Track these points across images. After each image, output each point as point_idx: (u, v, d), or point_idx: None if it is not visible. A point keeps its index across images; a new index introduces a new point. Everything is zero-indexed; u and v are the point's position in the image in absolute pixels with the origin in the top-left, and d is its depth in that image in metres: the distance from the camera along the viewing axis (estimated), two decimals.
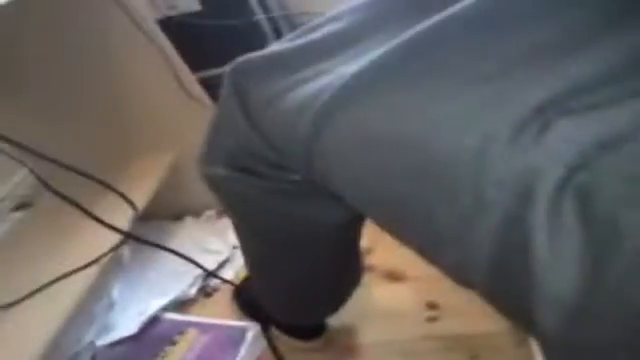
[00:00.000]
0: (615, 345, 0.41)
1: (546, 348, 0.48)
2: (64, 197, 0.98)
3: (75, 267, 1.07)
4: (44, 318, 1.00)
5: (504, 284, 0.48)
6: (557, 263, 0.42)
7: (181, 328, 1.23)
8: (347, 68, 0.59)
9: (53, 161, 0.98)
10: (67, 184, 0.98)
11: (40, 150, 0.96)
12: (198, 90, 1.33)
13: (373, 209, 0.63)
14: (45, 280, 1.05)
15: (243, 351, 1.13)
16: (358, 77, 0.57)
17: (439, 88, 0.53)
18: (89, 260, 1.09)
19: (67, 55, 1.29)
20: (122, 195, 1.14)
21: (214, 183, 0.80)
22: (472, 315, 1.04)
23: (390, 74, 0.56)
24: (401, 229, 0.60)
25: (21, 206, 1.22)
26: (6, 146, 0.96)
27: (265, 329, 1.14)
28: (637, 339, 0.39)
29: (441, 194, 0.50)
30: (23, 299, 1.03)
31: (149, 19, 1.24)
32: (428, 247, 0.57)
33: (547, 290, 0.43)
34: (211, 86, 1.30)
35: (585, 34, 0.49)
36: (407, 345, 1.07)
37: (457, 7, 0.55)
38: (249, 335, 1.16)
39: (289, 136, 0.64)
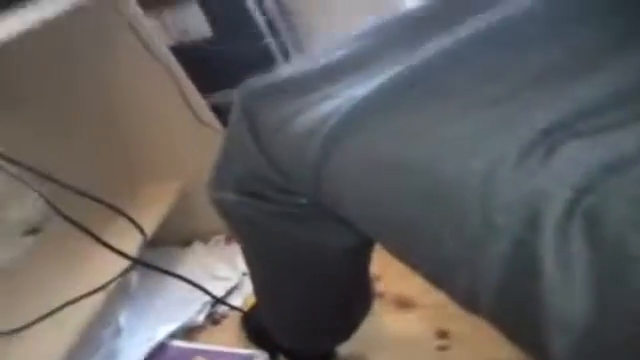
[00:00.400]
0: None
1: None
2: (74, 222, 0.98)
3: (83, 293, 1.07)
4: (51, 344, 1.00)
5: (512, 309, 0.47)
6: (566, 287, 0.41)
7: (188, 356, 1.22)
8: (355, 92, 0.59)
9: (64, 185, 0.98)
10: (76, 209, 0.98)
11: (50, 174, 0.97)
12: (208, 115, 1.34)
13: (381, 233, 0.62)
14: (53, 306, 1.05)
15: None
16: (366, 101, 0.57)
17: (446, 111, 0.53)
18: (97, 286, 1.08)
19: (79, 80, 1.30)
20: (131, 220, 1.14)
21: (223, 208, 0.80)
22: (482, 343, 1.02)
23: (397, 98, 0.57)
24: (409, 254, 0.59)
25: (31, 231, 1.22)
26: (16, 170, 0.96)
27: (273, 357, 1.13)
28: None
29: (449, 218, 0.50)
30: (30, 325, 1.02)
31: (161, 44, 1.26)
32: (436, 272, 0.56)
33: (556, 314, 0.42)
34: (221, 111, 1.31)
35: (592, 57, 0.49)
36: None
37: (463, 31, 0.56)
38: None
39: (298, 160, 0.64)
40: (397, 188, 0.55)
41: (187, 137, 1.37)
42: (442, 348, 1.08)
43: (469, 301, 0.53)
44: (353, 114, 0.57)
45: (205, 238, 1.55)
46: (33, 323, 1.03)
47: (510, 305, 0.47)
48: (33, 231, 1.22)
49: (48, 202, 0.97)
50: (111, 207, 1.07)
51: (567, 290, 0.41)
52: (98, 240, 1.02)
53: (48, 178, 0.96)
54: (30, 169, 0.95)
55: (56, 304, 1.05)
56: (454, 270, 0.51)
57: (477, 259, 0.48)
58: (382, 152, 0.55)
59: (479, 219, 0.47)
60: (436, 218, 0.51)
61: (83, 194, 0.99)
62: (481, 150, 0.48)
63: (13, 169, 0.97)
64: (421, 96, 0.55)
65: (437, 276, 0.56)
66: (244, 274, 1.37)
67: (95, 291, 1.08)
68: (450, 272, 0.52)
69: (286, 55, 1.44)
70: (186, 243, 1.56)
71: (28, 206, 1.13)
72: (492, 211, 0.46)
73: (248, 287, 1.30)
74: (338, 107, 0.59)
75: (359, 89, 0.59)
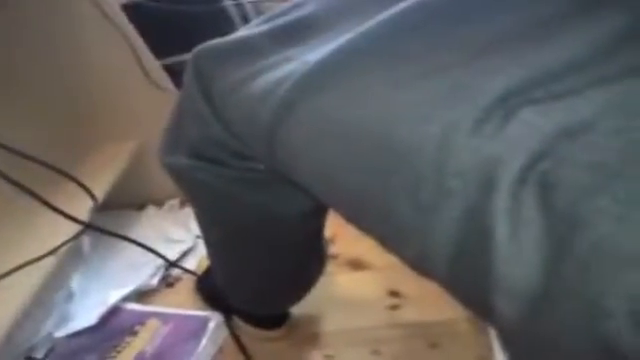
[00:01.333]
0: (573, 334, 0.41)
1: (504, 337, 0.49)
2: (21, 186, 0.95)
3: (32, 258, 1.05)
4: (2, 308, 0.98)
5: (464, 274, 0.48)
6: (517, 252, 0.42)
7: (142, 318, 1.22)
8: (309, 57, 0.59)
9: (11, 150, 0.95)
10: (25, 174, 0.96)
11: None
12: (162, 77, 1.31)
13: (334, 200, 0.63)
14: (2, 271, 1.03)
15: (205, 341, 1.13)
16: (320, 65, 0.57)
17: (399, 78, 0.52)
18: (47, 251, 1.07)
19: (27, 39, 1.26)
20: (81, 185, 1.12)
21: (176, 172, 0.80)
22: (433, 303, 1.05)
23: (353, 62, 0.56)
24: (362, 219, 0.60)
25: None
26: None
27: (227, 319, 1.14)
28: (595, 328, 0.38)
29: (402, 184, 0.50)
30: None
31: (113, 4, 1.22)
32: (390, 238, 0.57)
33: (506, 279, 0.43)
34: (176, 73, 1.28)
35: (548, 24, 0.49)
36: (369, 333, 1.08)
37: None
38: (211, 325, 1.15)
39: (251, 124, 0.63)
40: (349, 153, 0.55)
41: (140, 99, 1.34)
42: (393, 307, 1.11)
43: (422, 265, 0.53)
44: (307, 78, 0.57)
45: (159, 202, 1.54)
46: None
47: (462, 270, 0.48)
48: None
49: None
50: (60, 171, 1.04)
51: (518, 255, 0.42)
52: (48, 205, 1.00)
53: None
54: None
55: (3, 270, 1.03)
56: (407, 235, 0.52)
57: (430, 224, 0.48)
58: (335, 117, 0.55)
59: (433, 184, 0.47)
60: (389, 184, 0.51)
61: (31, 159, 0.97)
62: (435, 116, 0.48)
63: None
64: (375, 62, 0.55)
65: (390, 241, 0.57)
66: (198, 237, 1.37)
67: (45, 256, 1.06)
68: (403, 237, 0.53)
69: (245, 19, 1.41)
70: (140, 207, 1.54)
71: None
72: (446, 176, 0.46)
73: (202, 250, 1.30)
74: (292, 71, 0.59)
75: (314, 54, 0.58)
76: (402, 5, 0.55)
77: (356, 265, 1.23)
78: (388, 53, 0.55)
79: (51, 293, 1.23)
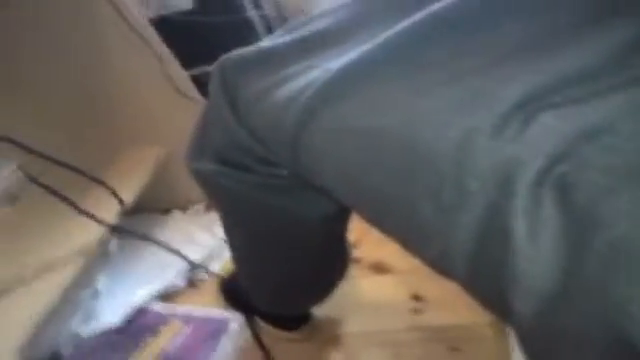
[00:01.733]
0: (591, 334, 0.41)
1: (521, 336, 0.49)
2: (52, 191, 0.98)
3: (61, 257, 1.08)
4: (28, 309, 1.00)
5: (484, 272, 0.49)
6: (536, 252, 0.43)
7: (166, 319, 1.24)
8: (332, 64, 0.60)
9: (41, 155, 0.98)
10: (55, 179, 0.99)
11: (28, 145, 0.96)
12: (189, 87, 1.34)
13: (357, 203, 0.64)
14: (29, 272, 1.06)
15: (225, 341, 1.14)
16: (342, 72, 0.58)
17: (421, 84, 0.54)
18: (75, 251, 1.09)
19: (58, 51, 1.29)
20: (110, 189, 1.15)
21: (202, 177, 0.81)
22: (455, 307, 1.06)
23: (374, 70, 0.57)
24: (385, 222, 0.61)
25: (8, 201, 1.22)
26: None
27: (249, 320, 1.15)
28: (613, 328, 0.39)
29: (424, 187, 0.51)
30: (7, 290, 1.03)
31: (141, 17, 1.25)
32: (412, 240, 0.58)
33: (525, 279, 0.43)
34: (202, 83, 1.30)
35: (568, 31, 0.50)
36: (391, 336, 1.09)
37: (440, 5, 0.56)
38: (233, 325, 1.17)
39: (276, 130, 0.65)
40: (372, 157, 0.56)
41: (167, 107, 1.37)
42: (415, 311, 1.12)
43: (443, 266, 0.54)
44: (329, 85, 0.58)
45: (184, 206, 1.56)
46: (10, 288, 1.04)
47: (482, 270, 0.49)
48: (11, 201, 1.22)
49: (26, 173, 0.97)
50: (89, 177, 1.07)
51: (536, 255, 0.42)
52: (76, 208, 1.02)
53: (26, 148, 0.96)
54: (8, 139, 0.94)
55: (32, 271, 1.06)
56: (429, 236, 0.53)
57: (451, 225, 0.49)
58: (357, 122, 0.56)
59: (454, 187, 0.48)
60: (411, 188, 0.52)
61: (61, 164, 1.00)
62: (456, 121, 0.49)
63: None
64: (396, 68, 0.56)
65: (413, 243, 0.58)
66: (222, 240, 1.39)
67: (73, 257, 1.08)
68: (425, 238, 0.54)
69: (269, 29, 1.43)
70: (165, 211, 1.57)
71: (5, 176, 1.12)
72: (467, 177, 0.47)
73: (226, 253, 1.32)
74: (314, 79, 0.60)
75: (335, 62, 0.60)
76: (419, 15, 0.57)
77: (379, 269, 1.24)
78: (407, 61, 0.56)
79: (78, 292, 1.26)
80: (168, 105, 1.36)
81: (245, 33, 1.39)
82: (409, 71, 0.55)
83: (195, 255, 1.33)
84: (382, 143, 0.55)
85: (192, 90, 1.34)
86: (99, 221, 1.07)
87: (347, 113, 0.57)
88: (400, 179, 0.54)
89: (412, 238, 0.58)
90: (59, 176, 0.99)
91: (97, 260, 1.30)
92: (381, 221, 0.62)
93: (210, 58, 0.74)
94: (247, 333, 1.15)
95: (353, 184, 0.60)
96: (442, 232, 0.50)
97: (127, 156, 1.43)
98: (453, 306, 1.06)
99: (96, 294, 1.30)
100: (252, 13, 1.39)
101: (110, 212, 1.17)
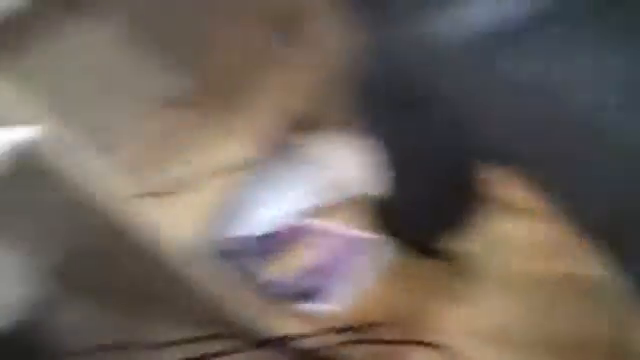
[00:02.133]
0: None
1: None
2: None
3: (222, 166, 1.15)
4: (194, 210, 1.09)
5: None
6: None
7: (312, 233, 1.29)
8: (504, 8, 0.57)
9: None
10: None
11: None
12: None
13: (518, 155, 0.63)
14: (190, 177, 1.14)
15: (368, 261, 1.18)
16: (514, 22, 0.55)
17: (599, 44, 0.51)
18: (235, 162, 1.16)
19: None
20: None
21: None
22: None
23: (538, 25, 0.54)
24: (545, 175, 0.59)
25: (175, 104, 1.29)
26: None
27: (396, 243, 1.17)
28: None
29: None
30: (176, 191, 1.12)
31: None
32: (575, 196, 0.57)
33: None
34: None
35: None
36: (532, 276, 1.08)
37: None
38: (378, 247, 1.20)
39: (427, 74, 0.63)
40: (532, 111, 0.55)
41: None
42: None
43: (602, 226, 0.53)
44: (502, 32, 0.55)
45: (338, 127, 1.57)
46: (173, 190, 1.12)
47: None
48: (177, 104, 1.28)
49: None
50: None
51: None
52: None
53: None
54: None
55: (197, 175, 1.14)
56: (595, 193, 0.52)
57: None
58: (520, 75, 0.54)
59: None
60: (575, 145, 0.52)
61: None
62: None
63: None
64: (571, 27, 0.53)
65: (574, 198, 0.56)
66: (375, 163, 1.39)
67: (234, 167, 1.15)
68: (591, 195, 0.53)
69: None
70: (320, 131, 1.58)
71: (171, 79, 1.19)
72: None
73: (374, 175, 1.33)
74: (488, 22, 0.57)
75: (509, 6, 0.57)
76: None
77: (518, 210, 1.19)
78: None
79: (233, 200, 1.33)
80: None
81: None
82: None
83: (346, 175, 1.36)
84: (543, 98, 0.54)
85: None
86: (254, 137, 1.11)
87: (509, 65, 0.55)
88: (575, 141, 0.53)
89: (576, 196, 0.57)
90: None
91: (255, 172, 1.36)
92: (539, 174, 0.61)
93: None
94: (389, 255, 1.17)
95: (521, 142, 0.59)
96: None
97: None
98: None
99: (248, 203, 1.36)
100: None
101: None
